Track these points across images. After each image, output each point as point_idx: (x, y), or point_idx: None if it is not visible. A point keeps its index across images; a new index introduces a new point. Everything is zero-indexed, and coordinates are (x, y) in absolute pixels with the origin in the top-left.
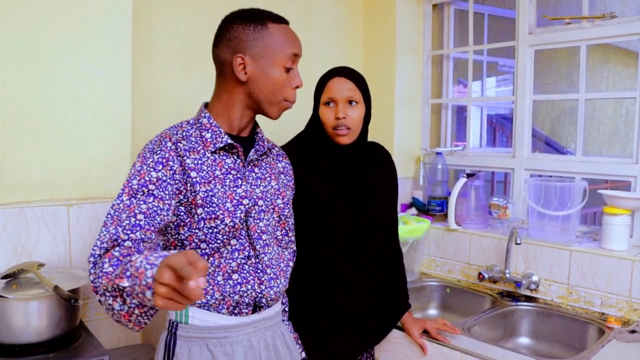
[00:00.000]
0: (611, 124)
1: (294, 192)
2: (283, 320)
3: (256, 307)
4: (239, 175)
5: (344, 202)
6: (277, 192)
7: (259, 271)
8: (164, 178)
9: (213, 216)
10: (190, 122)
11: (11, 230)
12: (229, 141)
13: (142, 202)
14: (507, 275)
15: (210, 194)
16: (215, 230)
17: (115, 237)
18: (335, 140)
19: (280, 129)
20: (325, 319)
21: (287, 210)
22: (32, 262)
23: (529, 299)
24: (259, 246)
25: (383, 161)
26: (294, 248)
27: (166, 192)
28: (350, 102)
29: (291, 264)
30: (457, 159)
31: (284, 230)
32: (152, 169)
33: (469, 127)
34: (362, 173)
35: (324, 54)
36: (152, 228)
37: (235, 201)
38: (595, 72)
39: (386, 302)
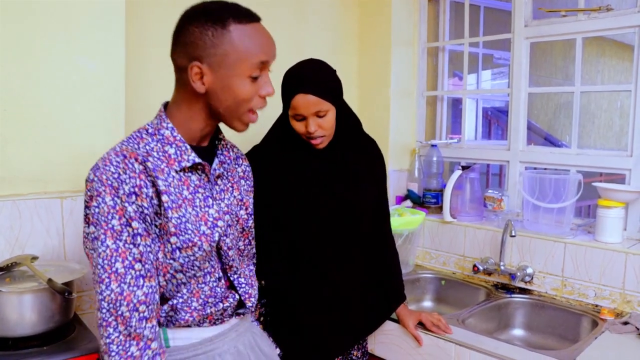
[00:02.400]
0: (606, 117)
1: (252, 193)
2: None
3: (235, 314)
4: (207, 194)
5: (324, 194)
6: (240, 203)
7: (242, 286)
8: (141, 209)
9: (190, 244)
10: (150, 130)
11: (4, 223)
12: (197, 160)
13: (131, 246)
14: (502, 268)
15: (184, 219)
16: (192, 258)
17: (122, 296)
18: (312, 145)
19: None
20: (312, 313)
21: (250, 221)
22: (26, 255)
23: (523, 291)
24: (230, 263)
25: (365, 147)
26: (254, 251)
27: (147, 222)
28: (319, 113)
29: (252, 267)
30: (452, 152)
31: (246, 241)
32: (127, 203)
33: (465, 120)
34: (341, 162)
35: (318, 47)
36: (152, 273)
37: (210, 223)
38: (590, 65)
39: (376, 293)
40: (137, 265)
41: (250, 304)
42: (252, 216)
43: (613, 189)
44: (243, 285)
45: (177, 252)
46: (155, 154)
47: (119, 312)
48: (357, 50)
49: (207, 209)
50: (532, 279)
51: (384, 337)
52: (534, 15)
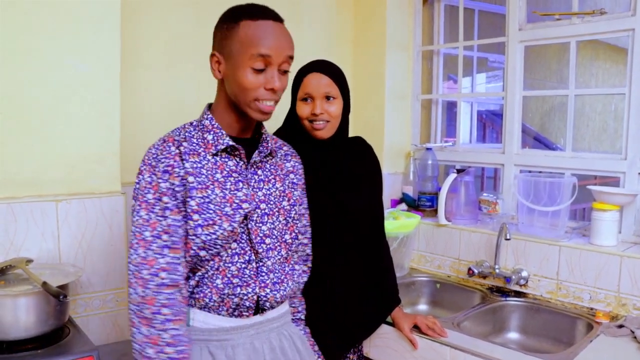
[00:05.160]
0: (600, 120)
1: (304, 192)
2: (297, 326)
3: (259, 309)
4: (240, 178)
5: (324, 195)
6: (282, 194)
7: (262, 274)
8: (173, 187)
9: (210, 222)
10: (194, 123)
11: None
12: (230, 143)
13: (161, 218)
14: (497, 271)
15: (207, 200)
16: (213, 236)
17: (146, 261)
18: (313, 134)
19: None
20: (311, 316)
21: (293, 212)
22: (21, 258)
23: (518, 294)
24: (261, 250)
25: (363, 153)
26: (307, 252)
27: (178, 200)
28: (327, 97)
29: (297, 267)
30: (447, 155)
31: (293, 234)
32: (160, 179)
33: (459, 123)
34: (340, 165)
35: (313, 50)
36: (178, 245)
37: (235, 205)
38: (584, 68)
39: (373, 297)
40: (165, 237)
41: (263, 295)
42: (296, 207)
43: (608, 192)
44: (264, 275)
45: (199, 229)
46: (194, 140)
47: (141, 275)
48: (352, 53)
49: (236, 191)
50: (527, 282)
51: (379, 340)
52: (528, 19)
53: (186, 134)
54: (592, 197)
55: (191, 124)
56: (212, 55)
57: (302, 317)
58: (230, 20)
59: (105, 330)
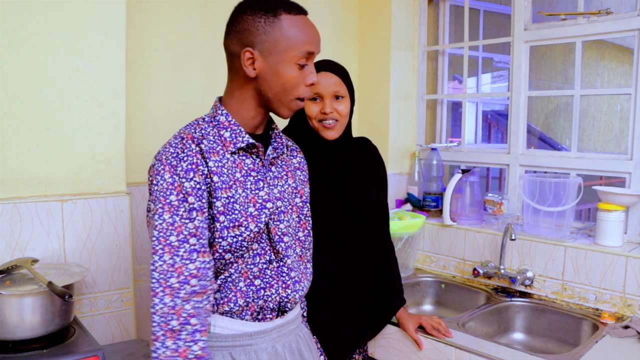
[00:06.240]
0: (606, 121)
1: (308, 184)
2: (306, 325)
3: (280, 311)
4: (259, 177)
5: (331, 196)
6: (294, 191)
7: (283, 274)
8: (198, 186)
9: (236, 224)
10: (206, 119)
11: (4, 226)
12: (251, 141)
13: (187, 220)
14: (502, 271)
15: (232, 200)
16: (239, 237)
17: (174, 268)
18: (322, 134)
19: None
20: (316, 317)
21: (306, 209)
22: (26, 258)
23: (523, 294)
24: (281, 249)
25: (369, 154)
26: (311, 251)
27: (203, 200)
28: (336, 96)
29: (309, 265)
30: (452, 155)
31: (305, 231)
32: (184, 179)
33: (464, 123)
34: (348, 166)
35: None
36: (207, 249)
37: (258, 205)
38: (590, 68)
39: (378, 297)
40: (192, 240)
41: (284, 295)
42: (307, 204)
43: (613, 193)
44: (285, 275)
45: (225, 230)
46: (211, 137)
47: (169, 283)
48: (357, 53)
49: (257, 191)
50: (532, 282)
51: (384, 340)
52: (533, 19)
53: (202, 131)
54: (598, 197)
55: (204, 119)
56: (244, 53)
57: (305, 314)
58: (268, 13)
59: (110, 330)
